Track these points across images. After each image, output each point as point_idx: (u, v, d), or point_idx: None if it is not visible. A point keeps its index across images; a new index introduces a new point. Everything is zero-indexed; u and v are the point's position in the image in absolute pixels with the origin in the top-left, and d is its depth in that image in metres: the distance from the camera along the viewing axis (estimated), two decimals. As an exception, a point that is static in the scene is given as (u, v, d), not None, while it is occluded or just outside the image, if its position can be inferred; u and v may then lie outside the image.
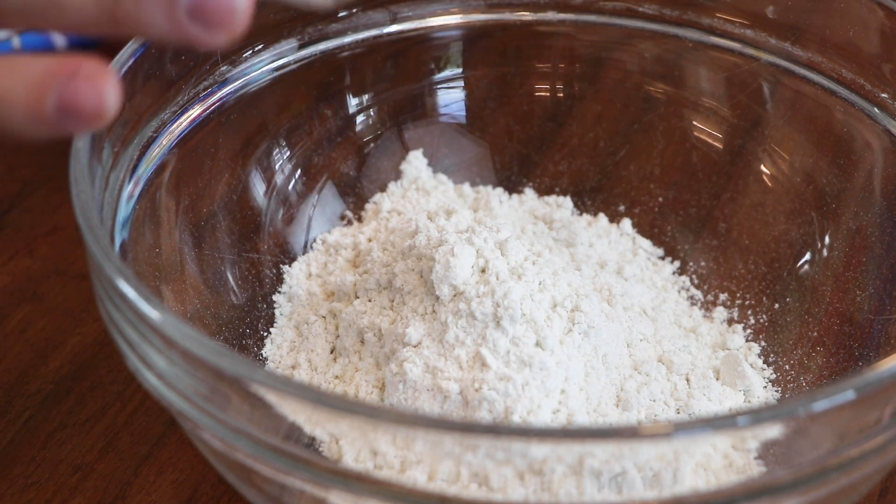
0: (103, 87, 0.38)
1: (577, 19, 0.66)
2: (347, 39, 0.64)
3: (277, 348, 0.58)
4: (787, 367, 0.58)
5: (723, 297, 0.62)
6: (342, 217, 0.65)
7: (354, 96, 0.66)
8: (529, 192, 0.67)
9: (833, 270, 0.60)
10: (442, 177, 0.66)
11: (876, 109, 0.60)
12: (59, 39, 0.76)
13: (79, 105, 0.38)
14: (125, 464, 0.56)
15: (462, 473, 0.46)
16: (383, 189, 0.66)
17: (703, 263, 0.64)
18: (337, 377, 0.56)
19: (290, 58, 0.62)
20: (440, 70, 0.67)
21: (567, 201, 0.66)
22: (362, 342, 0.56)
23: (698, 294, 0.62)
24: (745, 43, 0.63)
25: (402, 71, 0.66)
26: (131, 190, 0.53)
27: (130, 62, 0.52)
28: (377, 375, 0.55)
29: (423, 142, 0.67)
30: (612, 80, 0.68)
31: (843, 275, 0.60)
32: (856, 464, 0.43)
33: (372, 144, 0.66)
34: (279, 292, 0.61)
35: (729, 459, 0.50)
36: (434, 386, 0.52)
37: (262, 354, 0.58)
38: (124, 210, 0.52)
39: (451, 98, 0.68)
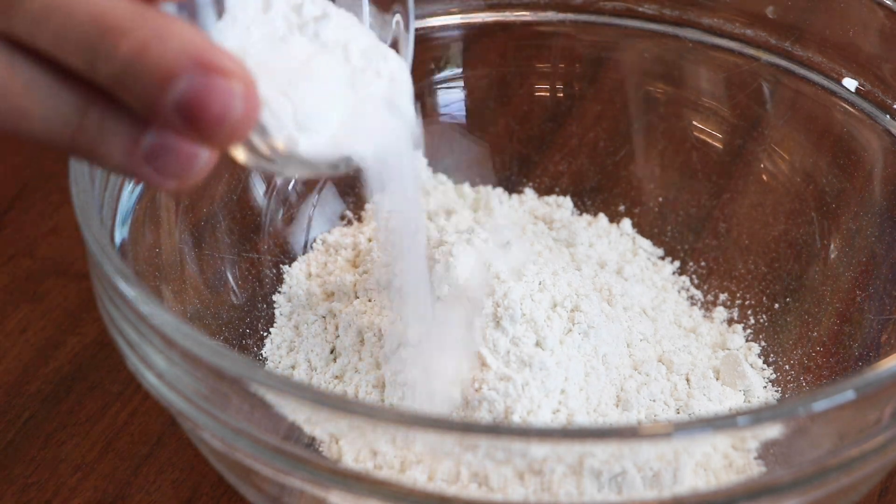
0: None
1: (577, 19, 0.66)
2: (347, 39, 0.64)
3: (277, 348, 0.58)
4: (787, 367, 0.58)
5: (723, 297, 0.62)
6: (342, 217, 0.65)
7: (354, 96, 0.66)
8: (529, 192, 0.67)
9: (833, 270, 0.60)
10: (442, 177, 0.66)
11: (876, 109, 0.60)
12: None
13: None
14: (125, 464, 0.56)
15: (462, 473, 0.46)
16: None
17: (703, 263, 0.64)
18: (336, 377, 0.56)
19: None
20: (440, 70, 0.67)
21: (567, 201, 0.66)
22: (362, 342, 0.56)
23: (698, 294, 0.62)
24: (745, 43, 0.63)
25: (401, 71, 0.66)
26: (131, 190, 0.53)
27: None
28: (377, 375, 0.55)
29: (423, 142, 0.67)
30: (612, 80, 0.68)
31: (843, 275, 0.60)
32: (856, 464, 0.43)
33: (372, 144, 0.66)
34: (279, 292, 0.61)
35: (729, 459, 0.50)
36: (434, 386, 0.52)
37: (261, 354, 0.58)
38: (124, 210, 0.52)
39: (451, 98, 0.68)
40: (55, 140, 0.37)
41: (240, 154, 0.41)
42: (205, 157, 0.37)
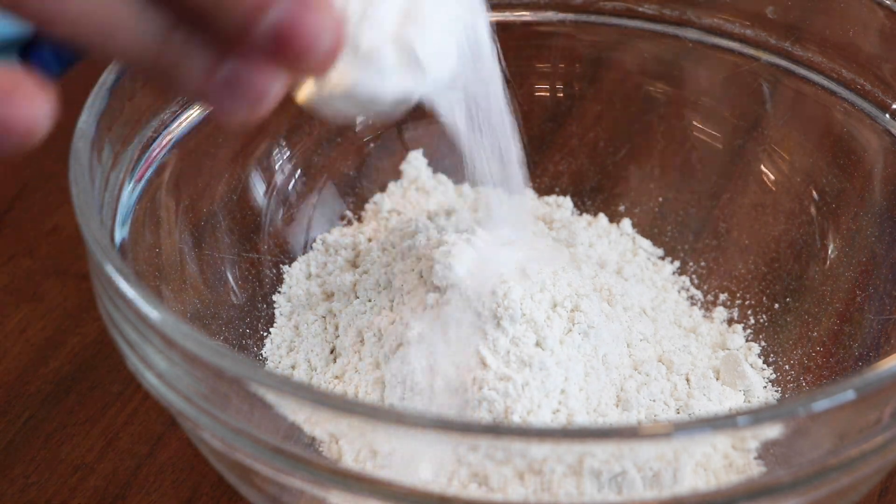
0: (41, 108, 0.37)
1: (577, 19, 0.66)
2: (347, 39, 0.64)
3: (277, 348, 0.58)
4: (787, 367, 0.58)
5: (723, 297, 0.62)
6: (342, 217, 0.65)
7: (354, 96, 0.66)
8: (529, 192, 0.67)
9: (833, 270, 0.60)
10: (442, 177, 0.66)
11: (876, 109, 0.60)
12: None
13: (11, 126, 0.36)
14: (125, 464, 0.56)
15: (462, 473, 0.46)
16: (383, 189, 0.66)
17: (703, 263, 0.64)
18: (336, 377, 0.56)
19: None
20: (440, 70, 0.67)
21: (567, 201, 0.66)
22: (362, 342, 0.56)
23: (698, 294, 0.62)
24: (745, 43, 0.63)
25: (402, 71, 0.66)
26: (131, 190, 0.53)
27: (130, 62, 0.52)
28: (377, 375, 0.55)
29: (423, 142, 0.67)
30: (612, 80, 0.68)
31: (842, 275, 0.60)
32: (856, 464, 0.43)
33: (372, 144, 0.66)
34: (279, 292, 0.61)
35: (729, 459, 0.50)
36: (434, 385, 0.52)
37: (261, 354, 0.58)
38: (124, 210, 0.52)
39: (451, 98, 0.68)
40: (136, 59, 0.38)
41: (306, 89, 0.42)
42: (277, 89, 0.39)
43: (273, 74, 0.38)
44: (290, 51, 0.37)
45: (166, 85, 0.39)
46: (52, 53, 0.84)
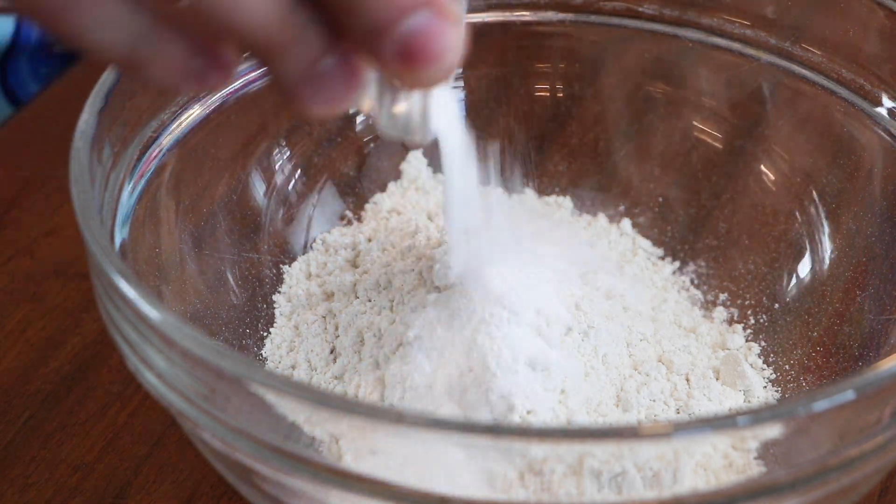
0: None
1: (577, 19, 0.66)
2: (347, 39, 0.64)
3: (277, 348, 0.58)
4: (787, 367, 0.58)
5: (723, 297, 0.62)
6: (342, 217, 0.65)
7: (355, 96, 0.66)
8: (529, 192, 0.67)
9: (833, 270, 0.60)
10: (442, 177, 0.66)
11: (876, 109, 0.60)
12: None
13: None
14: (125, 464, 0.56)
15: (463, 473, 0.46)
16: (383, 189, 0.66)
17: (703, 263, 0.64)
18: (336, 377, 0.56)
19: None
20: (440, 70, 0.67)
21: (567, 201, 0.66)
22: (362, 342, 0.56)
23: (698, 294, 0.62)
24: (745, 43, 0.63)
25: (402, 71, 0.66)
26: (131, 190, 0.53)
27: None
28: (377, 375, 0.55)
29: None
30: (612, 80, 0.68)
31: (842, 275, 0.60)
32: (856, 464, 0.43)
33: (372, 144, 0.66)
34: (279, 292, 0.61)
35: (729, 459, 0.50)
36: (434, 385, 0.52)
37: (261, 354, 0.58)
38: (124, 210, 0.52)
39: (451, 98, 0.67)
40: (257, 32, 0.37)
41: (369, 102, 0.42)
42: (356, 91, 0.38)
43: (364, 75, 0.37)
44: (418, 60, 0.36)
45: (271, 61, 0.38)
46: (30, 69, 0.84)
